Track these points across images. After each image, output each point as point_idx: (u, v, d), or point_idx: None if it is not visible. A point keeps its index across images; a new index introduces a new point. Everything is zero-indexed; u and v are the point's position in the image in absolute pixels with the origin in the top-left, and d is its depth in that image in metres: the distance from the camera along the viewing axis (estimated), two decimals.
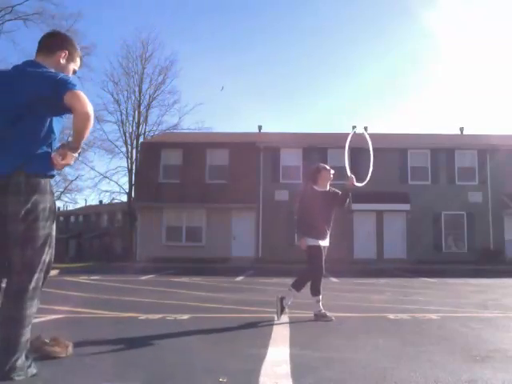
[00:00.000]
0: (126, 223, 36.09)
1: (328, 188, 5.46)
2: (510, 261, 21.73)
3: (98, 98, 38.49)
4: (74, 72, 2.94)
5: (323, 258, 5.29)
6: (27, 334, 2.55)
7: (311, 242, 5.26)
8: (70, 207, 54.00)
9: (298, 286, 5.27)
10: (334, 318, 5.13)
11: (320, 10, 59.81)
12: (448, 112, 68.34)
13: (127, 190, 35.89)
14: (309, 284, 5.32)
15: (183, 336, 4.27)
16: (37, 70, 2.60)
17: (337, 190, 5.47)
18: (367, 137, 5.48)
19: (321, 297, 5.26)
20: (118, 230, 43.78)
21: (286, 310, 5.22)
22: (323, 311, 5.22)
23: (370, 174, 5.29)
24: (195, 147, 24.02)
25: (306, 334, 4.43)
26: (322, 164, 5.64)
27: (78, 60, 2.95)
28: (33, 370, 2.63)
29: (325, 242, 5.37)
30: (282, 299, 5.13)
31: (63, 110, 2.53)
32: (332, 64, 63.12)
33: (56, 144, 2.66)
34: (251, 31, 62.52)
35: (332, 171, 5.49)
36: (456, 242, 23.43)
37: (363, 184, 5.31)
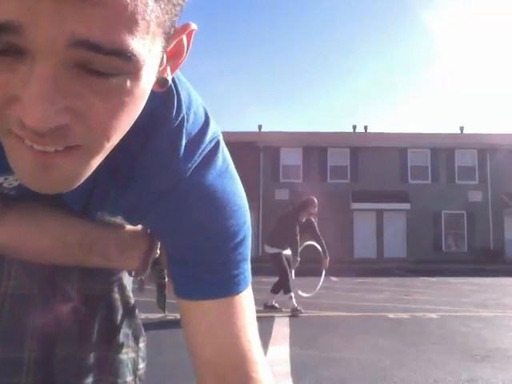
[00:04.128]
0: None
1: (304, 219, 6.24)
2: (510, 260, 21.72)
3: None
4: None
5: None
6: None
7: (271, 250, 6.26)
8: None
9: (284, 289, 5.98)
10: (303, 312, 5.71)
11: (319, 10, 59.88)
12: (448, 111, 68.33)
13: None
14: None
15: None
16: None
17: (313, 229, 6.34)
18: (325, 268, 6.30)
19: (292, 294, 5.93)
20: None
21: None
22: (295, 306, 5.84)
23: (318, 288, 6.25)
24: None
25: (306, 333, 4.43)
26: (310, 205, 6.29)
27: None
28: None
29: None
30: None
31: None
32: (332, 63, 63.17)
33: None
34: (251, 31, 62.62)
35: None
36: (456, 241, 23.43)
37: (311, 295, 6.21)
